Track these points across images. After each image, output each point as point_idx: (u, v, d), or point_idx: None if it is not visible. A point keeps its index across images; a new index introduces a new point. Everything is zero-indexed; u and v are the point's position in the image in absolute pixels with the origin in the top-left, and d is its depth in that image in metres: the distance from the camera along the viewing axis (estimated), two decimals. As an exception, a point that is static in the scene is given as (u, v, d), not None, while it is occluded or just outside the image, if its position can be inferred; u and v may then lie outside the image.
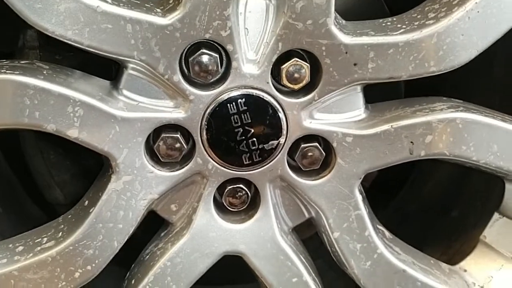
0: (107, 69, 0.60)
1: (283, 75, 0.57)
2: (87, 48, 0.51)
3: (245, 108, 0.57)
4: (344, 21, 0.58)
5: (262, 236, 0.61)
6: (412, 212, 0.87)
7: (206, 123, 0.57)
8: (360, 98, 0.60)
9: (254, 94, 0.57)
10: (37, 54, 0.59)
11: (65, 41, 0.50)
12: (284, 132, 0.58)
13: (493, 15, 0.54)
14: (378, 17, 0.61)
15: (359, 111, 0.60)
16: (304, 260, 0.63)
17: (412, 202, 0.87)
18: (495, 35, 0.55)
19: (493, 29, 0.54)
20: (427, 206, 0.85)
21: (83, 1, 0.49)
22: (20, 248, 0.57)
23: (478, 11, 0.54)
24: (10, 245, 0.58)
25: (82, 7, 0.49)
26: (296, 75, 0.57)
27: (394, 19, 0.58)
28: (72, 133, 0.53)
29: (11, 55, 0.64)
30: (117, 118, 0.54)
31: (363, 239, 0.61)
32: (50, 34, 0.50)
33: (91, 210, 0.56)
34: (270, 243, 0.61)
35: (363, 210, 0.61)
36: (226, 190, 0.61)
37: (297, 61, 0.56)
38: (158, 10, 0.53)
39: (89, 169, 0.64)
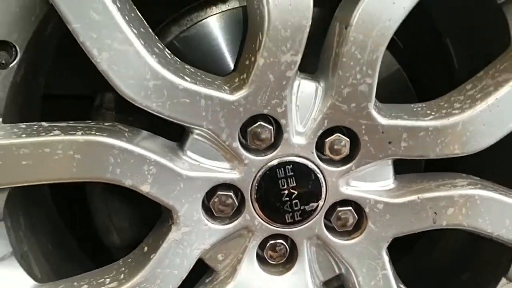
0: (171, 131, 0.68)
1: (327, 147, 0.65)
2: (166, 118, 0.60)
3: (292, 173, 0.65)
4: (380, 104, 0.67)
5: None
6: (425, 271, 0.94)
7: (256, 184, 0.65)
8: (390, 169, 0.68)
9: (300, 161, 0.65)
10: (113, 115, 0.67)
11: (150, 111, 0.59)
12: (323, 196, 0.66)
13: (510, 110, 0.63)
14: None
15: (389, 181, 0.69)
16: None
17: (426, 261, 0.94)
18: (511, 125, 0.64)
19: (510, 121, 0.64)
20: (439, 267, 0.92)
21: (169, 79, 0.58)
22: (85, 286, 0.64)
23: (498, 106, 0.63)
24: (75, 283, 0.65)
25: (167, 84, 0.58)
26: (337, 147, 0.65)
27: (424, 105, 0.68)
28: (145, 188, 0.61)
29: (83, 98, 0.72)
30: (183, 176, 0.62)
31: (388, 297, 0.69)
32: (138, 105, 0.58)
33: (151, 256, 0.64)
34: (305, 295, 0.69)
35: (389, 271, 0.69)
36: (268, 244, 0.69)
37: (339, 136, 0.65)
38: (226, 87, 0.62)
39: (145, 218, 0.72)
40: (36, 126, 0.59)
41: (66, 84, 0.80)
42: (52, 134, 0.58)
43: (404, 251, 0.98)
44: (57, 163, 0.57)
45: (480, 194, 0.66)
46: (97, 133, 0.59)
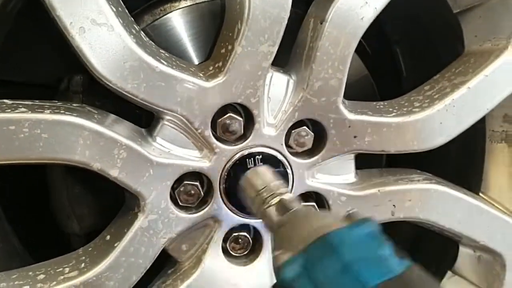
0: (138, 117, 0.67)
1: (292, 139, 0.67)
2: (140, 101, 0.59)
3: (261, 164, 0.66)
4: (346, 100, 0.69)
5: (262, 279, 0.69)
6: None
7: (226, 173, 0.65)
8: (352, 164, 0.71)
9: (270, 153, 0.66)
10: (80, 99, 0.64)
11: (123, 93, 0.57)
12: (290, 187, 0.68)
13: (466, 109, 0.68)
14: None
15: (351, 175, 0.72)
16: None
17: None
18: (466, 124, 0.69)
19: (465, 120, 0.69)
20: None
21: (146, 61, 0.57)
22: (42, 276, 0.60)
23: (454, 106, 0.68)
24: (30, 273, 0.61)
25: (144, 66, 0.57)
26: (302, 140, 0.67)
27: (386, 103, 0.71)
28: (114, 173, 0.59)
29: (48, 88, 0.69)
30: (153, 162, 0.61)
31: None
32: (112, 86, 0.56)
33: (115, 245, 0.61)
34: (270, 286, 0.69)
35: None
36: (231, 236, 0.69)
37: (305, 129, 0.67)
38: (201, 74, 0.62)
39: (106, 207, 0.69)
40: (-2, 103, 0.56)
41: (18, 71, 0.75)
42: (18, 111, 0.54)
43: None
44: (23, 142, 0.54)
45: (435, 189, 0.71)
46: (66, 113, 0.56)
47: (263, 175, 0.60)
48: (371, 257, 0.43)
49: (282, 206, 0.53)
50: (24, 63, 0.71)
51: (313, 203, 0.69)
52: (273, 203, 0.55)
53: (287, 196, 0.55)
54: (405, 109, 0.69)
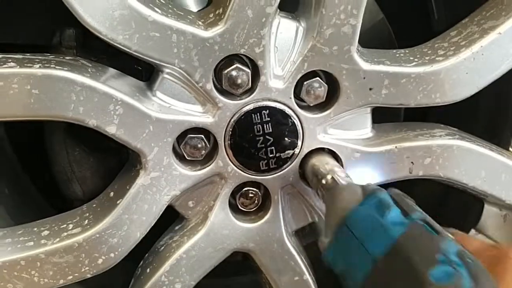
0: (137, 72, 0.64)
1: (304, 91, 0.62)
2: (133, 53, 0.55)
3: (268, 119, 0.62)
4: (362, 49, 0.64)
5: (270, 236, 0.67)
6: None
7: (231, 129, 0.62)
8: (368, 118, 0.66)
9: (277, 107, 0.62)
10: (74, 54, 0.61)
11: (115, 45, 0.54)
12: (300, 143, 0.64)
13: (496, 58, 0.61)
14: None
15: (367, 130, 0.67)
16: (305, 261, 0.69)
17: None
18: (494, 75, 0.62)
19: (493, 70, 0.62)
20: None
21: (137, 10, 0.53)
22: (46, 232, 0.60)
23: (482, 54, 0.61)
24: (35, 229, 0.61)
25: (135, 15, 0.53)
26: (316, 92, 0.62)
27: (407, 51, 0.65)
28: (111, 130, 0.57)
29: (44, 49, 0.66)
30: (152, 118, 0.58)
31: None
32: (102, 37, 0.53)
33: (118, 202, 0.60)
34: (277, 243, 0.67)
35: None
36: (240, 192, 0.66)
37: (318, 80, 0.62)
38: (200, 23, 0.58)
39: (109, 169, 0.68)
40: (-13, 58, 0.53)
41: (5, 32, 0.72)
42: (6, 66, 0.52)
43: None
44: (12, 98, 0.52)
45: (458, 145, 0.65)
46: (57, 67, 0.54)
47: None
48: (376, 228, 0.47)
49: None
50: (13, 22, 0.68)
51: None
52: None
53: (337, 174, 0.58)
54: (427, 58, 0.63)
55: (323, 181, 0.58)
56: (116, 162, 0.67)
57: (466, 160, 0.66)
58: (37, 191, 0.83)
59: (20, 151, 0.83)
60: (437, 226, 0.46)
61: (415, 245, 0.44)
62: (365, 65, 0.61)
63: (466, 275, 0.42)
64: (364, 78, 0.62)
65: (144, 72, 0.63)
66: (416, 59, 0.63)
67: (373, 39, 0.74)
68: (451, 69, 0.62)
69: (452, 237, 0.45)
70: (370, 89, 0.62)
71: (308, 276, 0.68)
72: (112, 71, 0.59)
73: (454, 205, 0.83)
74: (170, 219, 0.69)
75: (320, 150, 0.65)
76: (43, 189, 0.83)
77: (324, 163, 0.61)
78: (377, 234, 0.46)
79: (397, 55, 0.64)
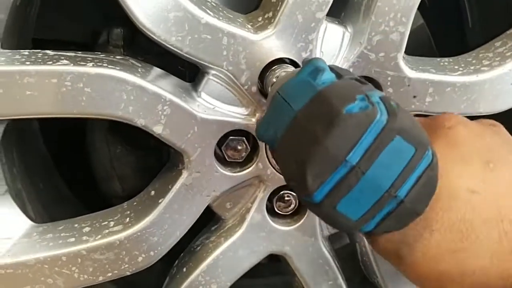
0: (181, 73, 0.64)
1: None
2: (184, 54, 0.55)
3: None
4: (407, 56, 0.63)
5: (305, 240, 0.67)
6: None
7: (272, 132, 0.62)
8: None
9: (320, 112, 0.62)
10: (121, 53, 0.62)
11: (167, 46, 0.54)
12: (340, 148, 0.64)
13: (541, 70, 0.61)
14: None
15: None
16: (337, 265, 0.69)
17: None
18: (539, 86, 0.62)
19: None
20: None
21: (191, 12, 0.53)
22: (87, 229, 0.61)
23: (529, 65, 0.61)
24: (76, 225, 0.62)
25: (189, 17, 0.53)
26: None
27: (451, 60, 0.65)
28: (157, 129, 0.57)
29: (84, 47, 0.67)
30: (197, 119, 0.58)
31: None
32: (156, 38, 0.53)
33: (160, 201, 0.60)
34: (312, 247, 0.67)
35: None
36: (278, 195, 0.66)
37: (361, 86, 0.62)
38: (249, 26, 0.58)
39: (149, 167, 0.68)
40: (41, 54, 0.54)
41: (55, 29, 0.72)
42: (59, 63, 0.52)
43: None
44: (65, 96, 0.52)
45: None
46: (109, 66, 0.54)
47: None
48: (304, 87, 0.46)
49: None
50: (61, 20, 0.69)
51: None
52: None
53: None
54: (472, 68, 0.63)
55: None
56: (155, 160, 0.67)
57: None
58: (69, 189, 0.83)
59: (52, 148, 0.84)
60: (369, 85, 0.45)
61: (337, 91, 0.43)
62: (410, 73, 0.61)
63: (383, 109, 0.41)
64: (408, 85, 0.62)
65: (187, 73, 0.64)
66: (461, 68, 0.63)
67: (413, 45, 0.74)
68: (496, 79, 0.62)
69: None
70: (414, 96, 0.62)
71: (341, 281, 0.68)
72: (159, 71, 0.59)
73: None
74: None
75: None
76: (76, 187, 0.83)
77: None
78: (303, 91, 0.45)
79: (442, 63, 0.64)
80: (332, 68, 0.48)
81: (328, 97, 0.43)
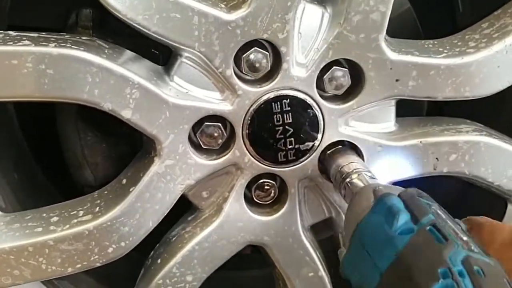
0: (154, 56, 0.61)
1: (327, 81, 0.60)
2: (152, 34, 0.53)
3: (288, 108, 0.60)
4: (390, 38, 0.61)
5: (285, 230, 0.65)
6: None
7: (249, 118, 0.59)
8: (392, 111, 0.64)
9: (299, 96, 0.60)
10: (90, 35, 0.59)
11: (134, 25, 0.51)
12: (320, 135, 0.62)
13: (530, 52, 0.59)
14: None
15: (390, 124, 0.64)
16: (320, 256, 0.67)
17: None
18: (528, 70, 0.60)
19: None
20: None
21: (158, -11, 0.51)
22: (55, 218, 0.58)
23: (516, 47, 0.58)
24: (44, 215, 0.59)
25: (156, -5, 0.51)
26: (339, 82, 0.60)
27: (436, 42, 0.62)
28: (126, 114, 0.54)
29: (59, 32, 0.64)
30: (169, 104, 0.56)
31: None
32: (121, 16, 0.51)
33: (131, 189, 0.58)
34: (292, 238, 0.65)
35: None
36: (256, 184, 0.64)
37: (341, 69, 0.59)
38: (222, 5, 0.55)
39: (121, 155, 0.65)
40: (2, 35, 0.51)
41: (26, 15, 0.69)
42: (20, 44, 0.50)
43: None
44: (26, 77, 0.50)
45: (485, 141, 0.63)
46: (73, 47, 0.51)
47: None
48: (383, 238, 0.45)
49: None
50: (30, 5, 0.66)
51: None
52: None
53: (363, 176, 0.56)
54: (457, 50, 0.60)
55: (347, 180, 0.55)
56: (129, 148, 0.65)
57: (493, 157, 0.63)
58: (45, 178, 0.81)
59: (29, 137, 0.81)
60: (446, 230, 0.43)
61: (417, 257, 0.42)
62: (392, 55, 0.58)
63: (469, 285, 0.39)
64: (390, 68, 0.59)
65: (161, 56, 0.61)
66: (445, 51, 0.60)
67: (398, 29, 0.71)
68: (482, 62, 0.59)
69: (460, 243, 0.42)
70: (397, 80, 0.60)
71: (323, 272, 0.66)
72: (129, 53, 0.57)
73: (476, 203, 0.81)
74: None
75: (341, 143, 0.63)
76: (51, 175, 0.81)
77: (349, 160, 0.58)
78: (384, 245, 0.44)
79: (426, 45, 0.62)
80: (406, 204, 0.46)
81: (410, 268, 0.41)
